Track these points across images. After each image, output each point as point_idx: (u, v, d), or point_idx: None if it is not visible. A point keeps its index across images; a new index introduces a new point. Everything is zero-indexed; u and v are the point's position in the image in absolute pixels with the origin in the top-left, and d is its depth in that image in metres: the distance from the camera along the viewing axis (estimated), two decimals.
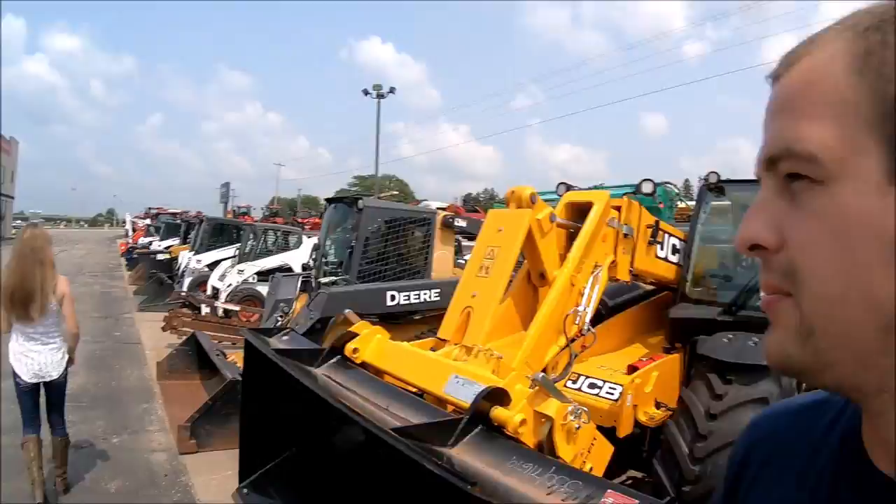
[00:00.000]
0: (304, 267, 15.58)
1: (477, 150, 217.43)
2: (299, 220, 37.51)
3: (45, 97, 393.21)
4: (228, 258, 17.67)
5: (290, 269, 16.15)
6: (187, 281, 17.30)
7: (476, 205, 40.39)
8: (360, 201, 8.56)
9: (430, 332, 5.02)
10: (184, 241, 24.23)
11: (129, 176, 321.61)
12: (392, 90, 43.63)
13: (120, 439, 7.10)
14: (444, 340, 4.22)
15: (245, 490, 5.47)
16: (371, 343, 4.21)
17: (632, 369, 4.71)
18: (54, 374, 5.20)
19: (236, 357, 8.60)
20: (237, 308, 13.90)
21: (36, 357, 5.10)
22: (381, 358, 4.09)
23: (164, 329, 11.63)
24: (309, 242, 16.85)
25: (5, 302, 4.99)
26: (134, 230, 43.15)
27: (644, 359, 5.01)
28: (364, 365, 4.11)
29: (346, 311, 5.27)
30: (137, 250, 27.61)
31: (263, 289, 15.26)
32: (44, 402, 5.44)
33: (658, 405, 4.69)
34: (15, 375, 5.11)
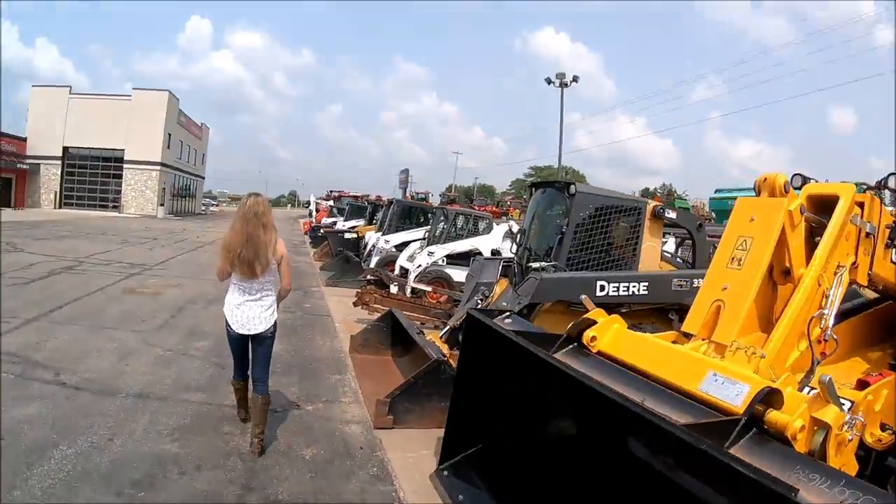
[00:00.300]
0: (494, 252, 15.38)
1: (655, 144, 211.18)
2: (476, 207, 37.47)
3: (232, 89, 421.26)
4: (416, 240, 17.63)
5: (480, 254, 15.85)
6: (375, 260, 17.44)
7: None
8: (572, 186, 8.07)
9: (635, 328, 4.68)
10: (369, 223, 24.75)
11: (309, 161, 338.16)
12: (575, 79, 42.69)
13: (314, 407, 6.96)
14: (688, 335, 4.08)
15: (445, 472, 5.20)
16: (608, 332, 4.08)
17: (862, 384, 4.10)
18: (261, 329, 5.50)
19: (433, 337, 8.42)
20: (427, 288, 13.65)
21: (247, 311, 5.47)
22: (619, 348, 3.95)
23: (355, 304, 11.62)
24: (499, 229, 16.51)
25: (231, 259, 5.32)
26: (317, 210, 44.94)
27: (873, 374, 4.37)
28: (600, 354, 3.98)
29: (583, 296, 4.94)
30: (324, 229, 28.43)
31: (452, 272, 15.20)
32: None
33: (883, 427, 4.03)
34: (227, 325, 5.56)
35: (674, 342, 4.12)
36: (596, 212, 7.98)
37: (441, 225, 16.50)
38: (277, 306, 5.75)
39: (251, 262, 5.27)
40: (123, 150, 52.22)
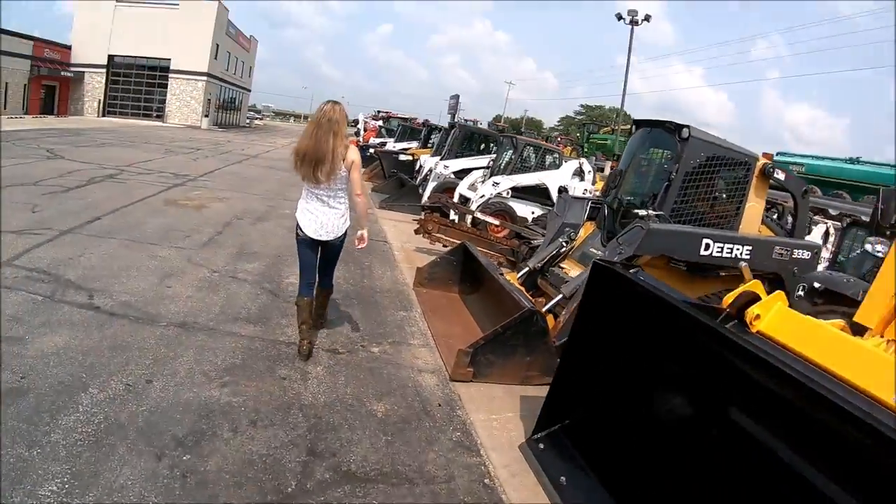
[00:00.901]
0: (561, 189, 14.35)
1: (709, 95, 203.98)
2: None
3: (279, 2, 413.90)
4: (477, 168, 16.57)
5: (546, 190, 14.80)
6: (431, 185, 16.39)
7: None
8: (685, 129, 7.01)
9: (724, 292, 3.97)
10: (424, 145, 23.56)
11: (355, 80, 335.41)
12: (647, 18, 40.54)
13: (380, 350, 6.19)
14: (862, 327, 3.70)
15: (541, 445, 4.52)
16: (770, 311, 3.53)
17: None
18: (331, 237, 5.50)
19: (511, 278, 7.70)
20: (494, 221, 12.58)
21: (319, 216, 5.43)
22: (784, 331, 3.39)
23: (416, 232, 10.84)
24: (567, 165, 15.33)
25: (297, 160, 5.29)
26: (364, 130, 43.68)
27: None
28: (760, 335, 3.43)
29: (742, 264, 4.73)
30: (375, 149, 27.13)
31: (516, 205, 14.28)
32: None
33: None
34: (298, 228, 5.52)
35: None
36: (707, 161, 7.08)
37: (507, 155, 15.33)
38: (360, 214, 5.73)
39: (314, 167, 5.20)
40: (170, 59, 50.99)
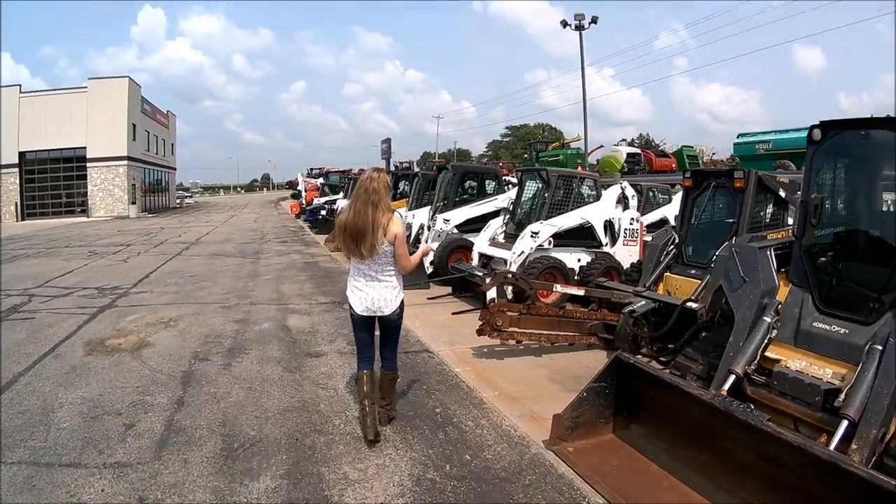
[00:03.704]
0: (608, 224, 11.19)
1: (623, 94, 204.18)
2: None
3: (192, 77, 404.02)
4: (482, 215, 12.99)
5: (589, 229, 11.01)
6: (430, 245, 12.42)
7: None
8: None
9: None
10: (393, 199, 19.53)
11: (279, 142, 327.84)
12: (595, 20, 37.73)
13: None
14: None
15: None
16: None
17: None
18: (386, 311, 5.06)
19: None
20: (579, 291, 8.68)
21: (369, 292, 5.04)
22: None
23: (481, 332, 7.22)
24: (609, 193, 11.53)
25: (339, 235, 5.04)
26: (306, 190, 39.65)
27: None
28: None
29: None
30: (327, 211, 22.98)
31: (560, 255, 10.62)
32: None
33: None
34: (350, 308, 5.13)
35: None
36: None
37: (531, 193, 11.57)
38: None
39: (357, 242, 4.87)
40: (85, 147, 45.63)
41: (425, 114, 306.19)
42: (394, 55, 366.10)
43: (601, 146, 41.20)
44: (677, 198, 13.71)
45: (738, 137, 30.03)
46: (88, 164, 45.98)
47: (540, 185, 11.29)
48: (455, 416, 5.53)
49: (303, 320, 9.40)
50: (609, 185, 12.03)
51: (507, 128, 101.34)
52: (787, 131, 27.22)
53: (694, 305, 6.94)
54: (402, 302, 5.17)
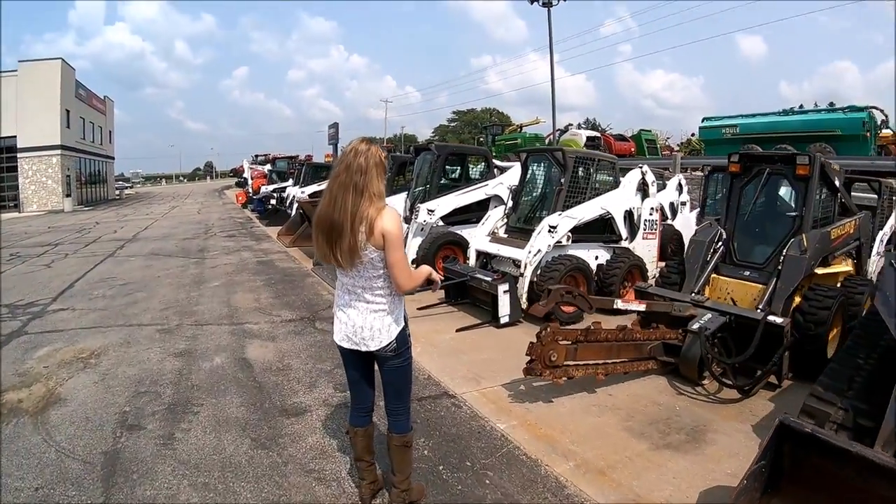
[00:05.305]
0: (628, 214, 9.41)
1: (567, 80, 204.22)
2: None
3: (133, 63, 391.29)
4: (468, 204, 11.09)
5: (608, 221, 9.06)
6: (414, 243, 10.29)
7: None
8: None
9: None
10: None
11: (222, 129, 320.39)
12: None
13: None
14: None
15: None
16: None
17: None
18: (372, 346, 3.36)
19: None
20: (639, 307, 6.53)
21: (352, 316, 3.40)
22: None
23: (529, 372, 5.41)
24: (628, 180, 9.53)
25: (314, 232, 3.36)
26: (252, 178, 36.89)
27: None
28: None
29: None
30: (300, 201, 20.34)
31: (578, 252, 8.69)
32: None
33: None
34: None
35: None
36: None
37: (539, 179, 9.57)
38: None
39: (329, 243, 3.23)
40: (15, 136, 41.50)
41: (370, 99, 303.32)
42: (338, 40, 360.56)
43: (561, 129, 39.79)
44: (671, 183, 13.12)
45: (703, 121, 29.02)
46: (19, 155, 41.90)
47: (551, 170, 9.19)
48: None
49: (266, 349, 7.12)
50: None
51: (453, 112, 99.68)
52: (753, 115, 26.55)
53: (778, 320, 5.59)
54: (403, 335, 3.44)
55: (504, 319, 7.75)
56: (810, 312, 5.85)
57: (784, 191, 7.18)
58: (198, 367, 6.46)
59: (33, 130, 41.34)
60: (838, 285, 6.70)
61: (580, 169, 8.92)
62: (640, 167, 9.65)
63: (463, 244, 10.19)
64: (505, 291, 7.71)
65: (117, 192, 62.38)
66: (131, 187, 79.26)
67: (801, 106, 25.84)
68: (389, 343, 3.37)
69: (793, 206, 6.82)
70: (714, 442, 4.65)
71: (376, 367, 3.56)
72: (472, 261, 9.18)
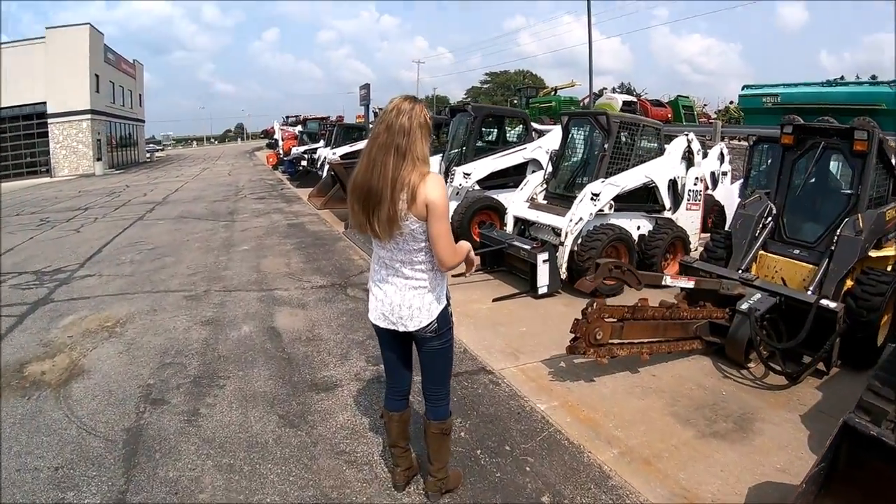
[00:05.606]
0: (672, 184, 8.81)
1: (602, 43, 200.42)
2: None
3: (161, 28, 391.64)
4: (505, 168, 10.65)
5: (652, 190, 8.63)
6: (450, 207, 9.93)
7: None
8: None
9: None
10: None
11: (252, 91, 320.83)
12: None
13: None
14: None
15: None
16: None
17: None
18: (410, 326, 3.03)
19: None
20: (689, 283, 6.07)
21: (388, 292, 3.07)
22: None
23: (572, 350, 5.08)
24: (674, 146, 9.01)
25: (349, 199, 2.99)
26: (283, 139, 36.58)
27: None
28: None
29: None
30: (332, 163, 19.96)
31: (621, 222, 8.21)
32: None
33: None
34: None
35: None
36: None
37: (580, 144, 9.15)
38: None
39: (367, 211, 2.88)
40: (45, 102, 41.65)
41: (402, 60, 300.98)
42: (368, 0, 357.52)
43: (596, 93, 38.75)
44: (713, 152, 11.96)
45: (743, 89, 27.48)
46: (50, 121, 42.07)
47: (594, 135, 8.72)
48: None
49: (296, 318, 6.87)
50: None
51: (486, 74, 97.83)
52: (796, 85, 25.01)
53: (832, 305, 5.19)
54: (445, 315, 3.11)
55: (542, 290, 7.42)
56: (863, 297, 5.39)
57: (836, 166, 6.75)
58: (225, 337, 6.24)
59: (63, 96, 41.40)
60: (888, 269, 6.25)
61: (623, 134, 8.43)
62: (686, 134, 9.13)
63: (500, 209, 9.81)
64: (545, 261, 7.36)
65: (148, 154, 62.52)
66: (162, 150, 79.50)
67: (842, 77, 24.55)
68: (430, 323, 3.06)
69: (846, 183, 6.38)
70: (762, 432, 4.30)
71: (414, 348, 3.25)
72: (509, 227, 8.82)
